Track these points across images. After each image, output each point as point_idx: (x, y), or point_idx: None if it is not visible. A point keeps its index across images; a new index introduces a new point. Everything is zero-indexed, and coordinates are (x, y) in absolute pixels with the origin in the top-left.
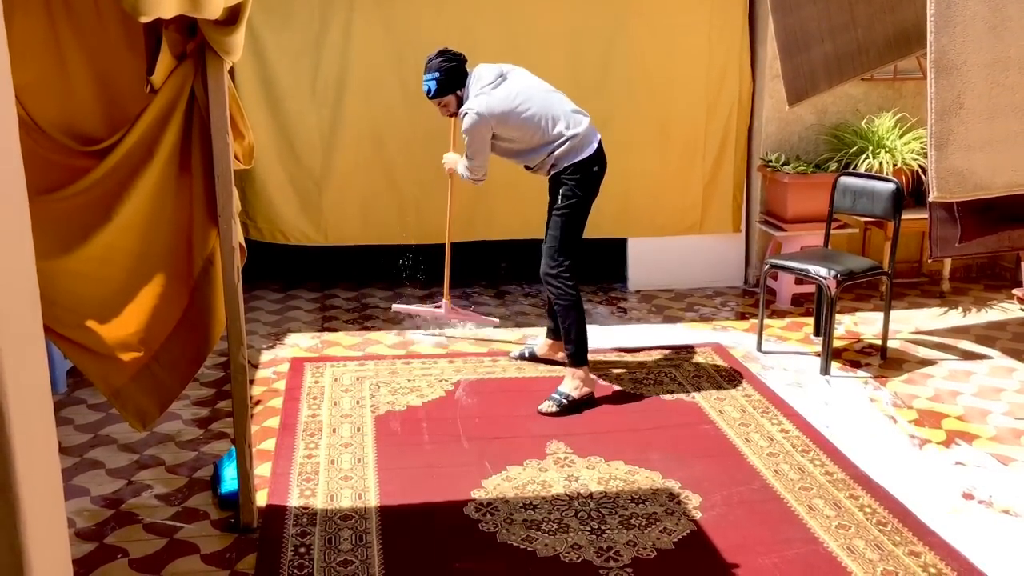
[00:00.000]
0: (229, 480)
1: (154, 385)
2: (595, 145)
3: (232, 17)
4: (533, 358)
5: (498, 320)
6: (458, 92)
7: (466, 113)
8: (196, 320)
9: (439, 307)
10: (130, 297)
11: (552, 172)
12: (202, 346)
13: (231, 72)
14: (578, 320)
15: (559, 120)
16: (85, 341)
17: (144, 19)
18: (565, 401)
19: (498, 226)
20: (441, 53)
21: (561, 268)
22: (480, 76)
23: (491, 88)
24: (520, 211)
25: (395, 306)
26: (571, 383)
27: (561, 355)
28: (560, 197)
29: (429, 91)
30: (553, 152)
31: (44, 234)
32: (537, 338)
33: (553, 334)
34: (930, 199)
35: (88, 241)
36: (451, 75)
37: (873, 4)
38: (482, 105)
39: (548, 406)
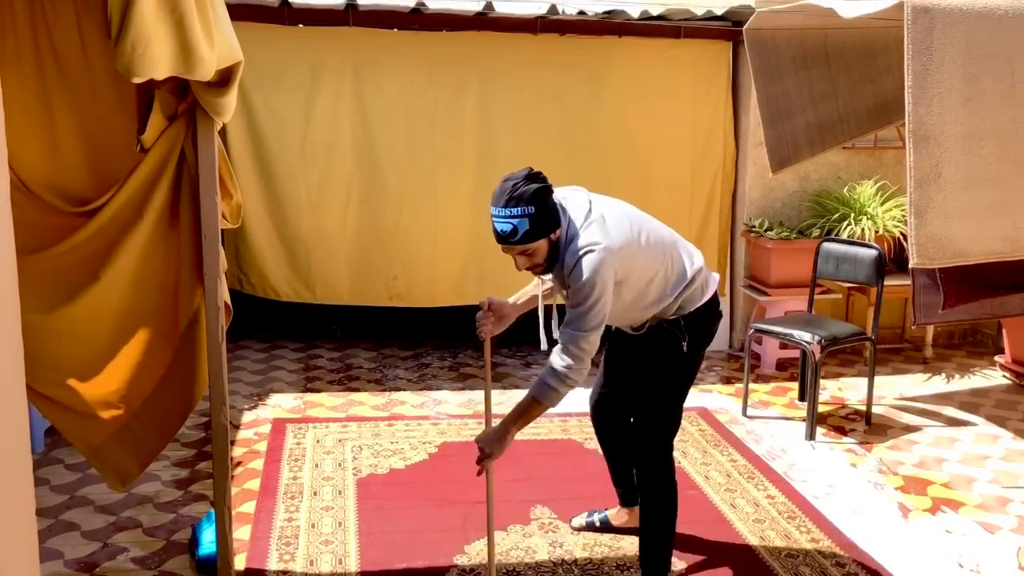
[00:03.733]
0: (207, 543)
1: (134, 443)
2: (716, 279)
3: (224, 79)
4: (606, 527)
5: None
6: (552, 235)
7: (587, 251)
8: (178, 378)
9: None
10: (113, 355)
11: (669, 321)
12: (184, 404)
13: (222, 132)
14: (673, 525)
15: (679, 249)
16: (65, 400)
17: (137, 80)
18: None
19: (490, 289)
20: (532, 176)
21: (665, 450)
22: (572, 201)
23: (597, 216)
24: (512, 274)
25: None
26: None
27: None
28: (673, 356)
29: (514, 233)
30: (681, 295)
31: (29, 292)
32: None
33: (629, 499)
34: (911, 265)
35: (74, 301)
36: (550, 209)
37: (853, 75)
38: (605, 236)
39: None
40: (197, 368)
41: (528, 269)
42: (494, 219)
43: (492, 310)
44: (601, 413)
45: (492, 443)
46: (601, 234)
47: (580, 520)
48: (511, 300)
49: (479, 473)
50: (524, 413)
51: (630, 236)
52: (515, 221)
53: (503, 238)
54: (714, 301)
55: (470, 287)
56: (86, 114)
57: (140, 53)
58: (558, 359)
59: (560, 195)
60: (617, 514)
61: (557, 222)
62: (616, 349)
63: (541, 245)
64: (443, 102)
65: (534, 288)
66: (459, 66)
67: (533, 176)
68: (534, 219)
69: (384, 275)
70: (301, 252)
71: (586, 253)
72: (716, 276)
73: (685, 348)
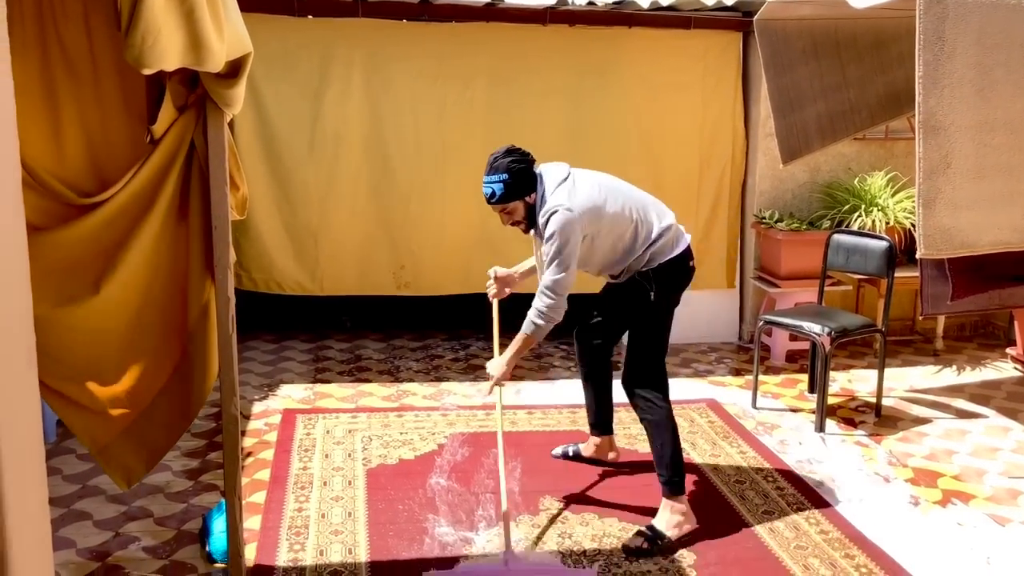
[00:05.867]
0: (218, 533)
1: (142, 442)
2: (687, 239)
3: (234, 71)
4: (578, 457)
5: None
6: (527, 198)
7: (553, 212)
8: (188, 373)
9: (503, 561)
10: (126, 352)
11: (640, 273)
12: (194, 400)
13: (230, 124)
14: (672, 439)
15: (649, 211)
16: (76, 396)
17: (147, 71)
18: (659, 541)
19: (474, 280)
20: (510, 151)
21: (651, 382)
22: (551, 173)
23: (568, 184)
24: (514, 261)
25: None
26: (667, 518)
27: (612, 455)
28: (643, 303)
29: (492, 195)
30: (649, 248)
31: (46, 285)
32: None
33: (598, 429)
34: (918, 256)
35: (98, 294)
36: (521, 177)
37: (864, 65)
38: (570, 200)
39: (638, 542)
40: (207, 361)
41: (512, 225)
42: (483, 184)
43: (497, 279)
44: (584, 334)
45: (497, 369)
46: (566, 197)
47: (559, 450)
48: (513, 270)
49: (489, 393)
50: (520, 348)
51: (596, 200)
52: (493, 186)
53: (487, 199)
54: (684, 256)
55: (476, 275)
56: (90, 106)
57: (150, 45)
58: (539, 301)
59: (543, 168)
60: (587, 446)
61: (531, 188)
62: (606, 293)
63: (517, 205)
64: (452, 93)
65: (532, 260)
66: (468, 57)
67: (510, 151)
68: (508, 184)
69: (392, 265)
70: (309, 243)
71: (552, 213)
72: (688, 236)
73: (652, 297)
